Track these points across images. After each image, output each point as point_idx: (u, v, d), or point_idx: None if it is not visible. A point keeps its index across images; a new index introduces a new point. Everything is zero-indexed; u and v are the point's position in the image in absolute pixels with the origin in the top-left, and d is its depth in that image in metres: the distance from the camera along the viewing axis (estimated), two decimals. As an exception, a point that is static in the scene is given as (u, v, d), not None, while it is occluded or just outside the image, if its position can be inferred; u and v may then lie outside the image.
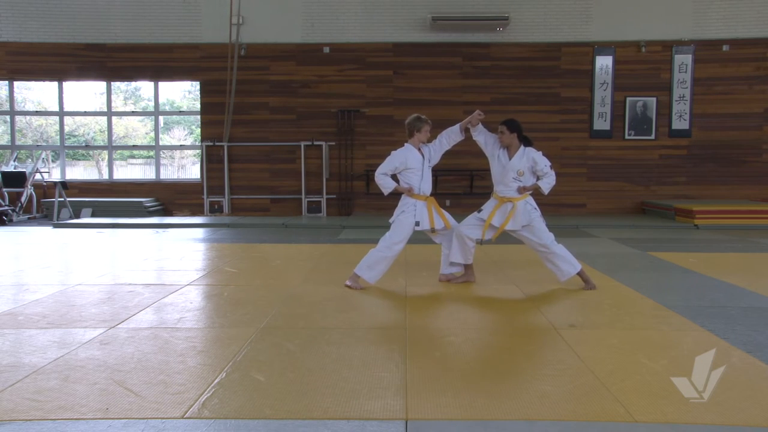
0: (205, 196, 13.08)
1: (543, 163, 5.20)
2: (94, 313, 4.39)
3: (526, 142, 5.28)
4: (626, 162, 12.78)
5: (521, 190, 5.21)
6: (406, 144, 5.55)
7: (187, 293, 5.10)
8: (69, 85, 13.60)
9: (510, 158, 5.24)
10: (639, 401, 2.73)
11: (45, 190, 13.15)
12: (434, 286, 5.42)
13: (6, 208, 11.90)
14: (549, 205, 12.82)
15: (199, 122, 13.40)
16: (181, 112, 17.21)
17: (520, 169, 5.20)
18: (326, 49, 12.93)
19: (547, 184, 5.24)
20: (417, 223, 5.23)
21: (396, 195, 5.40)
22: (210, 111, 13.11)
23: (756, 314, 4.37)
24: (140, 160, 16.82)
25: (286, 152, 13.07)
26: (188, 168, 17.67)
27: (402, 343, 3.62)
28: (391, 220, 5.36)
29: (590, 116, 12.80)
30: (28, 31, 12.97)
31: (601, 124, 12.84)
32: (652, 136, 12.88)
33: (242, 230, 10.57)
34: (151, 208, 12.72)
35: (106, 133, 13.89)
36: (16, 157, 13.66)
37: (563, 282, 5.26)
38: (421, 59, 12.89)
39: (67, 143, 15.49)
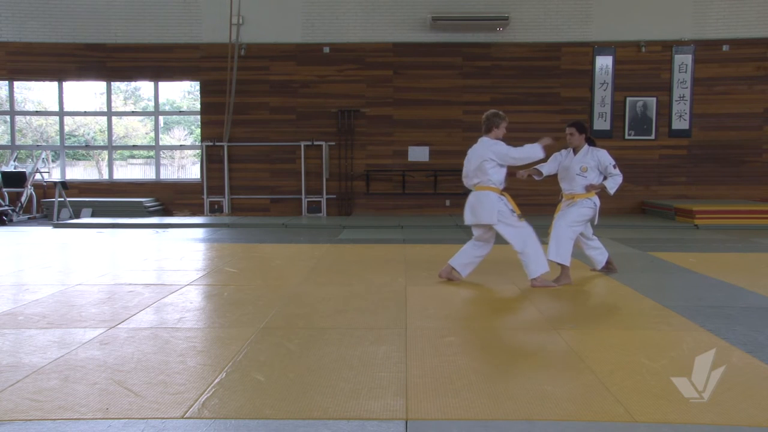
0: (205, 196, 13.08)
1: (608, 161, 5.50)
2: (94, 313, 4.39)
3: (591, 142, 5.64)
4: (626, 162, 12.69)
5: (589, 187, 5.51)
6: (484, 139, 5.35)
7: (187, 293, 5.10)
8: (69, 85, 13.59)
9: (575, 156, 5.60)
10: (639, 401, 2.73)
11: (45, 190, 13.15)
12: (434, 286, 5.42)
13: (6, 208, 11.90)
14: (550, 205, 12.84)
15: (199, 122, 13.40)
16: (181, 112, 17.22)
17: (584, 165, 5.51)
18: (326, 49, 12.93)
19: (614, 183, 5.53)
20: (512, 211, 5.29)
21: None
22: (210, 111, 13.11)
23: (756, 314, 4.37)
24: (140, 160, 16.83)
25: (286, 152, 13.07)
26: (188, 168, 17.68)
27: (402, 343, 3.62)
28: (497, 221, 5.26)
29: (590, 116, 12.80)
30: (28, 31, 12.97)
31: (601, 124, 12.84)
32: (652, 136, 12.88)
33: (242, 230, 10.57)
34: (151, 208, 12.72)
35: (106, 133, 13.89)
36: (16, 157, 13.67)
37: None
38: (421, 59, 12.89)
39: (67, 143, 15.49)
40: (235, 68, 12.53)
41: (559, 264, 5.41)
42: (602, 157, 5.52)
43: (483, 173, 5.26)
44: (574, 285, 5.42)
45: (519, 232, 5.25)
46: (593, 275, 5.92)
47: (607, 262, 5.90)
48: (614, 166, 5.50)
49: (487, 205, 5.24)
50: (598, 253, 5.82)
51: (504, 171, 5.33)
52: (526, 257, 5.26)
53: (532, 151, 5.25)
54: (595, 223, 5.65)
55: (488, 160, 5.24)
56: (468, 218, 5.41)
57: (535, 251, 5.24)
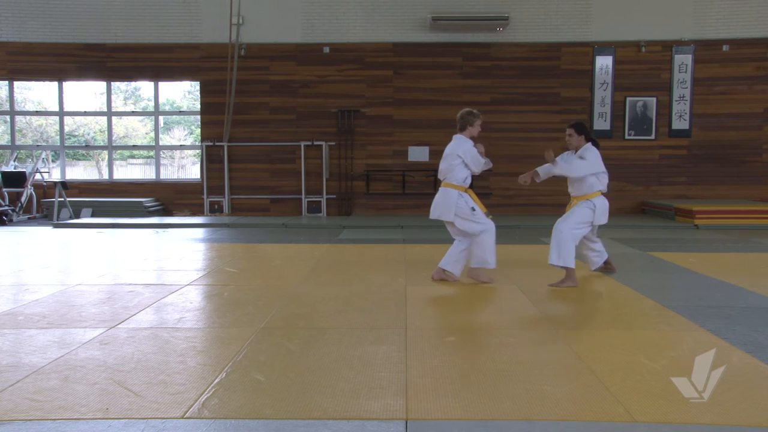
0: (205, 196, 13.08)
1: (582, 151, 5.40)
2: (94, 313, 4.39)
3: (595, 143, 5.52)
4: (626, 162, 12.77)
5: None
6: (458, 136, 5.50)
7: (187, 293, 5.10)
8: (69, 85, 13.59)
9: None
10: (639, 401, 2.73)
11: (45, 190, 13.15)
12: (434, 286, 5.42)
13: (6, 208, 11.90)
14: (549, 205, 12.87)
15: (199, 122, 13.40)
16: (181, 112, 17.21)
17: None
18: (326, 49, 12.93)
19: (561, 164, 5.39)
20: (473, 209, 5.35)
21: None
22: (210, 111, 13.11)
23: (756, 314, 4.37)
24: (140, 160, 16.83)
25: (286, 152, 13.07)
26: (188, 168, 17.68)
27: (402, 343, 3.62)
28: (454, 216, 5.38)
29: (590, 116, 12.79)
30: (28, 31, 12.96)
31: (601, 124, 12.84)
32: (652, 136, 12.88)
33: (242, 230, 10.57)
34: (151, 208, 12.72)
35: (106, 133, 13.89)
36: (16, 157, 13.67)
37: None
38: (421, 59, 12.88)
39: (67, 143, 15.49)
40: (235, 68, 12.53)
41: (563, 267, 5.36)
42: (583, 151, 5.40)
43: (449, 170, 5.42)
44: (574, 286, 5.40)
45: (477, 226, 5.37)
46: (593, 275, 5.92)
47: (605, 262, 5.87)
48: (580, 158, 5.38)
49: (447, 202, 5.41)
50: (596, 255, 5.78)
51: (468, 170, 5.43)
52: (477, 246, 5.39)
53: (485, 164, 5.44)
54: (596, 223, 5.45)
55: (456, 157, 5.38)
56: (431, 213, 5.58)
57: (488, 245, 5.37)
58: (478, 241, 5.39)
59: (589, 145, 5.50)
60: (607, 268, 5.91)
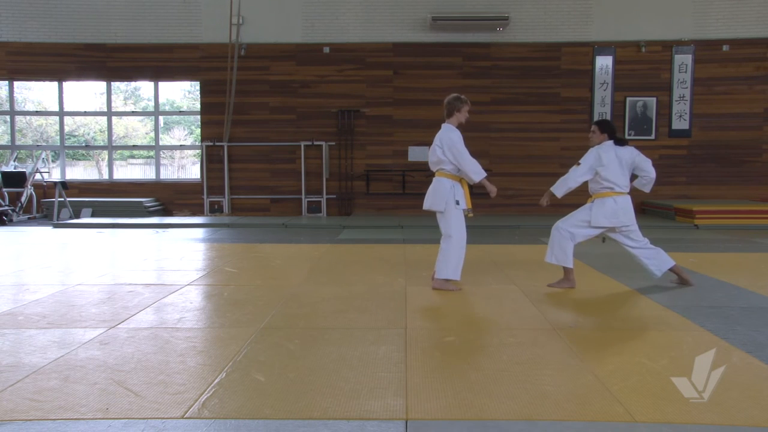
0: (205, 196, 13.08)
1: (586, 154, 5.27)
2: (94, 313, 4.39)
3: (619, 142, 5.34)
4: (626, 162, 12.73)
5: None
6: (445, 125, 5.29)
7: (187, 293, 5.09)
8: (69, 85, 13.59)
9: None
10: (639, 401, 2.73)
11: (45, 190, 13.15)
12: (434, 286, 5.41)
13: (6, 208, 11.90)
14: (548, 205, 12.82)
15: (199, 122, 13.40)
16: (181, 112, 17.20)
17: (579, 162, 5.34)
18: (326, 49, 12.93)
19: (559, 181, 5.30)
20: (457, 202, 5.12)
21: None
22: (210, 111, 13.11)
23: (756, 314, 4.37)
24: (140, 160, 16.82)
25: (286, 152, 13.07)
26: (188, 168, 17.67)
27: (402, 343, 3.62)
28: (443, 209, 5.14)
29: (590, 116, 12.78)
30: (28, 31, 12.97)
31: (601, 124, 12.82)
32: (652, 136, 12.88)
33: (242, 230, 10.57)
34: (151, 208, 12.72)
35: (106, 133, 13.89)
36: (16, 157, 13.67)
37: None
38: (421, 59, 12.88)
39: (67, 143, 15.49)
40: (235, 68, 12.53)
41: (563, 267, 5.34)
42: (588, 153, 5.30)
43: (439, 162, 5.19)
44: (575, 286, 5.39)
45: (447, 228, 5.15)
46: (592, 275, 5.92)
47: (675, 272, 5.37)
48: (577, 164, 5.26)
49: (440, 193, 5.16)
50: (646, 260, 5.32)
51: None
52: (445, 255, 5.15)
53: (475, 171, 5.07)
54: (593, 224, 5.29)
55: (438, 147, 5.17)
56: (424, 203, 5.32)
57: (453, 257, 5.12)
58: (444, 250, 5.15)
59: (604, 144, 5.30)
60: (680, 279, 5.41)
